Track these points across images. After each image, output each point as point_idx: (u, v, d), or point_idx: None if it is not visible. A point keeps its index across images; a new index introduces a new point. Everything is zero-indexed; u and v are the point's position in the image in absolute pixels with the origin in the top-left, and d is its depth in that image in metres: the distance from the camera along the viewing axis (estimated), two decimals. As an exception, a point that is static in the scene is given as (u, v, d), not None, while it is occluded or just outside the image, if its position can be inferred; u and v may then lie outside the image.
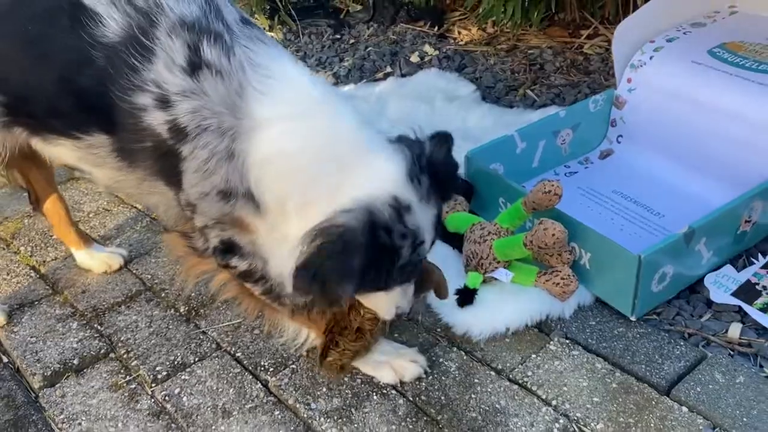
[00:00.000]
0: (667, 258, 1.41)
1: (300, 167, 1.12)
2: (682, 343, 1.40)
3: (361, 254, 1.05)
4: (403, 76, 2.71)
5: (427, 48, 2.97)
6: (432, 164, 1.18)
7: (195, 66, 1.11)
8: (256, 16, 3.46)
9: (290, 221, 1.13)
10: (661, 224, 1.69)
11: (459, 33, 3.12)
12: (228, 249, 1.23)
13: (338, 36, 3.27)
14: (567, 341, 1.44)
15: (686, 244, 1.44)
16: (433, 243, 1.22)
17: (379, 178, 1.12)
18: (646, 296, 1.43)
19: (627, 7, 2.66)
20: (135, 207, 2.05)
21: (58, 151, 1.30)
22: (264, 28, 3.45)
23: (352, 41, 3.19)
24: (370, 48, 3.07)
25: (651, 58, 1.88)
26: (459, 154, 1.98)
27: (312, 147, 1.12)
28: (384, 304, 1.25)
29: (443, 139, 1.25)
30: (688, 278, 1.52)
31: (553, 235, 1.42)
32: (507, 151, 1.81)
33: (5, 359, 1.54)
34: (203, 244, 1.25)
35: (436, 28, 3.15)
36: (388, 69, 2.86)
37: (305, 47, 3.23)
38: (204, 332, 1.55)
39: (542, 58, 2.74)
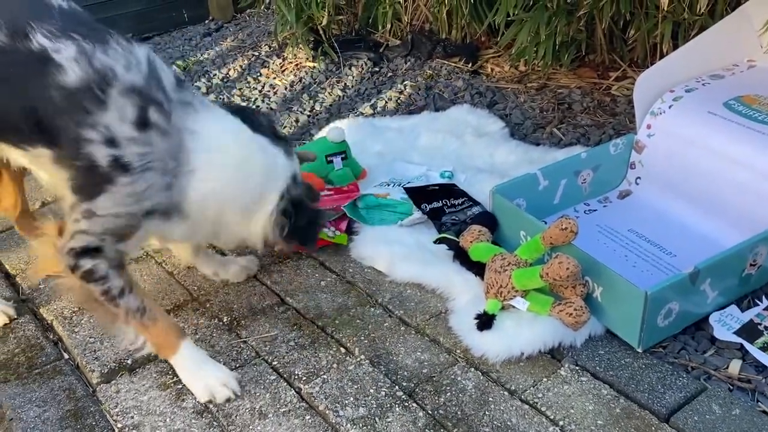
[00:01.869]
0: (673, 295, 1.53)
1: (229, 198, 1.57)
2: (684, 376, 1.51)
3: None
4: (436, 110, 2.86)
5: (461, 83, 3.13)
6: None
7: (144, 124, 1.44)
8: (300, 46, 3.66)
9: (233, 220, 1.60)
10: (672, 263, 1.80)
11: (492, 70, 3.26)
12: (85, 252, 1.50)
13: (377, 69, 3.44)
14: (577, 368, 1.56)
15: (692, 283, 1.55)
16: None
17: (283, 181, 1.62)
18: (652, 330, 1.54)
19: (655, 51, 2.79)
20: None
21: (14, 155, 1.63)
22: (307, 58, 3.66)
23: (390, 74, 3.36)
24: (406, 81, 3.23)
25: (670, 106, 2.00)
26: (484, 187, 2.14)
27: (234, 182, 1.56)
28: None
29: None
30: (694, 315, 1.63)
31: (568, 269, 1.55)
32: (530, 188, 1.95)
33: (66, 356, 1.72)
34: (64, 244, 1.52)
35: (471, 64, 3.30)
36: (423, 102, 3.02)
37: (345, 78, 3.41)
38: (244, 341, 1.70)
39: (570, 98, 2.86)
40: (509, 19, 2.96)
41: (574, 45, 2.91)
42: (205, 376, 1.55)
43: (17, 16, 1.47)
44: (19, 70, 1.46)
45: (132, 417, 1.50)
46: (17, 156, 1.61)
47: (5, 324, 1.82)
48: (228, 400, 1.52)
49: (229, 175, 1.55)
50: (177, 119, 1.48)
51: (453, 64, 3.33)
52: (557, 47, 2.87)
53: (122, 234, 1.51)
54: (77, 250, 1.50)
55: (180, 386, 1.57)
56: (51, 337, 1.78)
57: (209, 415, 1.49)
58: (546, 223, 1.90)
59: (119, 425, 1.48)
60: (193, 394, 1.55)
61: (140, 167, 1.45)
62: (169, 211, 1.52)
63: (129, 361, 1.65)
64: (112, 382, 1.60)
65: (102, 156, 1.44)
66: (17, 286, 2.01)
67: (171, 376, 1.60)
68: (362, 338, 1.68)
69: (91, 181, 1.47)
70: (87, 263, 1.50)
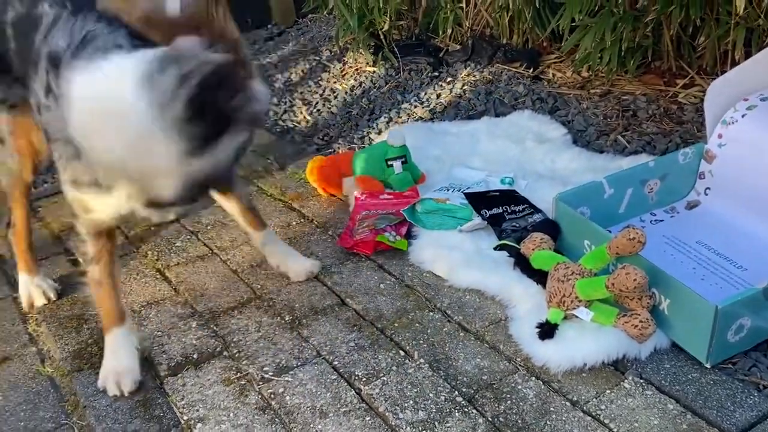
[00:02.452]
0: (744, 310, 1.48)
1: None
2: (755, 394, 1.46)
3: None
4: (497, 115, 2.85)
5: (521, 88, 3.10)
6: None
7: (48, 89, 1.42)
8: (361, 51, 3.70)
9: None
10: (743, 277, 1.74)
11: (553, 75, 3.23)
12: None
13: (437, 73, 3.44)
14: (641, 381, 1.52)
15: (765, 298, 1.50)
16: None
17: None
18: (721, 345, 1.49)
19: (725, 58, 2.71)
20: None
21: None
22: (368, 63, 3.69)
23: (449, 79, 3.36)
24: (466, 87, 3.23)
25: (743, 116, 1.94)
26: (546, 194, 2.12)
27: None
28: None
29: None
30: (766, 332, 1.57)
31: (635, 280, 1.52)
32: (595, 196, 1.92)
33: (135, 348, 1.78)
34: None
35: (532, 69, 3.27)
36: (483, 107, 3.01)
37: (405, 83, 3.43)
38: (306, 340, 1.73)
39: (635, 105, 2.81)
40: (573, 24, 2.93)
41: (640, 51, 2.85)
42: (107, 364, 1.64)
43: None
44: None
45: (197, 410, 1.54)
46: None
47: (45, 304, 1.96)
48: (114, 395, 1.58)
49: None
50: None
51: (513, 70, 3.31)
52: (623, 53, 2.82)
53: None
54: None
55: (243, 382, 1.61)
56: (121, 329, 1.85)
57: (271, 412, 1.53)
58: (610, 232, 1.87)
59: (185, 417, 1.53)
60: (256, 390, 1.58)
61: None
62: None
63: (195, 356, 1.70)
64: (179, 375, 1.65)
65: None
66: (90, 279, 2.09)
67: (234, 372, 1.65)
68: (421, 342, 1.69)
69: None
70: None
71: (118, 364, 1.63)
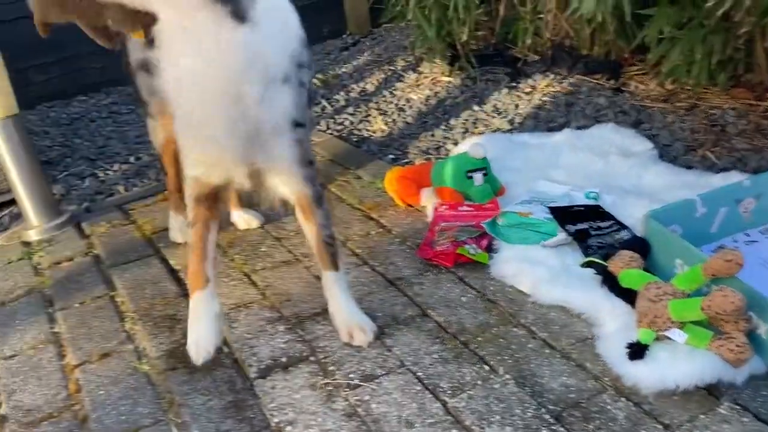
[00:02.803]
0: None
1: None
2: None
3: None
4: (578, 128, 2.81)
5: (603, 101, 3.05)
6: None
7: None
8: (437, 61, 3.72)
9: None
10: None
11: (636, 87, 3.16)
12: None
13: (514, 84, 3.43)
14: (737, 407, 1.48)
15: None
16: None
17: None
18: (827, 375, 1.43)
19: (823, 71, 2.59)
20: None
21: None
22: (443, 73, 3.71)
23: (528, 90, 3.34)
24: (545, 97, 3.20)
25: None
26: (632, 211, 2.08)
27: None
28: None
29: None
30: None
31: (733, 302, 1.48)
32: (687, 215, 1.87)
33: (226, 349, 1.85)
34: None
35: (613, 81, 3.22)
36: (563, 119, 2.97)
37: (481, 93, 3.42)
38: (389, 349, 1.76)
39: (724, 120, 2.72)
40: (659, 36, 2.86)
41: (731, 64, 2.76)
42: (190, 332, 1.77)
43: None
44: None
45: (286, 413, 1.59)
46: None
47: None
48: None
49: None
50: None
51: (594, 81, 3.26)
52: (712, 66, 2.74)
53: None
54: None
55: (330, 388, 1.65)
56: (212, 330, 1.93)
57: (358, 419, 1.56)
58: (702, 251, 1.82)
59: (275, 420, 1.57)
60: (342, 397, 1.62)
61: None
62: None
63: (283, 359, 1.75)
64: (268, 377, 1.70)
65: None
66: (181, 281, 2.18)
67: (321, 377, 1.69)
68: (506, 357, 1.68)
69: None
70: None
71: (197, 334, 1.74)
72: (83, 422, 1.65)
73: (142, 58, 1.98)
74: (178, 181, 2.29)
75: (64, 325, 2.03)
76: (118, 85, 4.68)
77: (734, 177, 2.18)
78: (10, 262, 2.48)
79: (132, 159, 3.47)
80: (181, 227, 2.34)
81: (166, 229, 2.54)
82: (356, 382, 1.66)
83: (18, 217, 2.89)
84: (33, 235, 2.62)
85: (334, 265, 1.83)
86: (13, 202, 2.93)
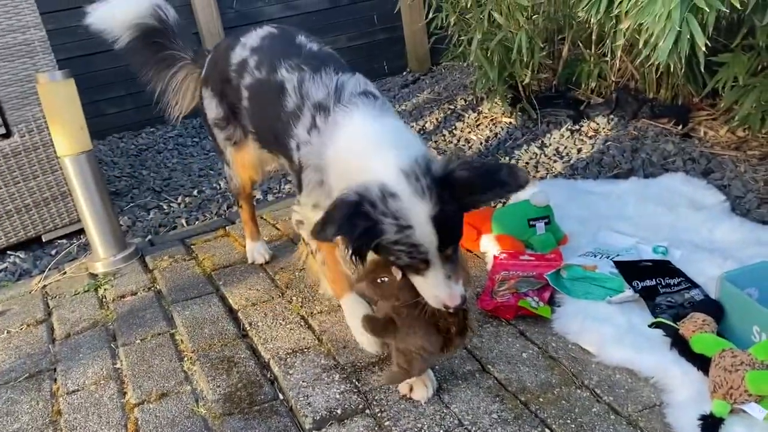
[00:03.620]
0: None
1: (346, 176, 1.58)
2: None
3: (343, 210, 1.46)
4: (645, 176, 2.73)
5: (670, 147, 2.96)
6: (451, 175, 1.48)
7: (311, 127, 1.73)
8: (498, 101, 3.70)
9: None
10: None
11: (705, 134, 3.06)
12: (300, 222, 1.97)
13: (577, 127, 3.37)
14: (823, 494, 1.37)
15: None
16: (439, 236, 1.48)
17: (376, 172, 1.50)
18: None
19: None
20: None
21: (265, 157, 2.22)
22: (503, 113, 3.68)
23: (590, 134, 3.28)
24: (609, 142, 3.13)
25: None
26: (704, 267, 2.00)
27: (351, 161, 1.59)
28: (424, 290, 1.56)
29: (483, 165, 1.58)
30: None
31: (818, 379, 1.38)
32: (764, 277, 1.77)
33: (281, 396, 1.84)
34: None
35: (681, 126, 3.13)
36: (629, 165, 2.90)
37: (542, 136, 3.38)
38: (447, 406, 1.71)
39: (801, 171, 2.60)
40: (732, 83, 2.77)
41: (808, 113, 2.65)
42: (356, 329, 1.94)
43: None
44: (269, 98, 1.90)
45: (341, 468, 1.56)
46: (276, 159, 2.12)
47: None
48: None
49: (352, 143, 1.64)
50: (333, 117, 1.69)
51: (661, 126, 3.18)
52: (788, 116, 2.63)
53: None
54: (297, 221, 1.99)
55: (385, 444, 1.62)
56: (268, 375, 1.93)
57: (413, 480, 1.52)
58: (781, 317, 1.72)
59: (329, 475, 1.55)
60: (397, 455, 1.58)
61: (305, 165, 1.77)
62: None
63: (338, 411, 1.73)
64: (323, 429, 1.68)
65: (296, 160, 1.81)
66: (239, 321, 2.20)
67: (378, 431, 1.66)
68: (568, 421, 1.62)
69: (298, 181, 1.85)
70: (301, 232, 2.00)
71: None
72: (140, 464, 1.66)
73: (214, 117, 2.29)
74: (252, 212, 2.59)
75: (126, 361, 2.07)
76: (185, 118, 4.84)
77: (814, 235, 2.07)
78: (76, 294, 2.55)
79: (195, 192, 3.56)
80: (259, 250, 2.56)
81: (226, 266, 2.58)
82: (412, 439, 1.62)
83: (86, 246, 2.99)
84: (99, 267, 2.70)
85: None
86: (81, 231, 3.04)
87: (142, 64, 2.52)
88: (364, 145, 1.59)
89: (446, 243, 1.50)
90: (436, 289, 1.54)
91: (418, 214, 1.46)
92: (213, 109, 2.28)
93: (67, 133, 2.61)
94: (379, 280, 1.61)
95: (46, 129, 2.93)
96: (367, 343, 1.90)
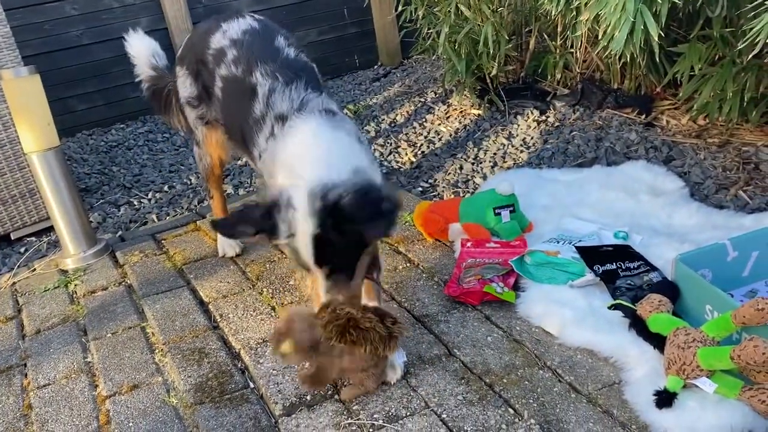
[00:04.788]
0: None
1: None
2: None
3: (261, 211, 1.60)
4: (608, 164, 2.80)
5: (633, 136, 3.03)
6: (336, 206, 1.56)
7: (270, 135, 1.80)
8: (466, 93, 3.75)
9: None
10: None
11: (667, 122, 3.14)
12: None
13: (544, 118, 3.43)
14: (769, 461, 1.44)
15: None
16: (318, 255, 1.60)
17: (296, 185, 1.60)
18: None
19: None
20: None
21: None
22: (472, 106, 3.73)
23: (557, 124, 3.34)
24: (574, 132, 3.20)
25: None
26: (662, 251, 2.06)
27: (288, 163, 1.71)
28: (317, 285, 1.66)
29: (367, 202, 1.59)
30: None
31: (764, 353, 1.45)
32: (717, 258, 1.84)
33: (252, 385, 1.87)
34: None
35: (644, 116, 3.20)
36: (593, 154, 2.96)
37: (510, 127, 3.43)
38: (414, 390, 1.76)
39: (758, 157, 2.68)
40: (691, 72, 2.85)
41: (764, 102, 2.73)
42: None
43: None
44: (239, 97, 1.94)
45: (310, 452, 1.60)
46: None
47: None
48: None
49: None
50: (289, 126, 1.77)
51: (625, 116, 3.25)
52: (744, 103, 2.71)
53: None
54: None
55: (354, 428, 1.66)
56: (239, 365, 1.95)
57: (381, 461, 1.56)
58: (732, 296, 1.79)
59: (299, 459, 1.58)
60: (366, 438, 1.62)
61: (264, 172, 1.84)
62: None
63: (308, 397, 1.76)
64: (293, 415, 1.71)
65: (259, 167, 1.88)
66: (210, 313, 2.22)
67: (345, 417, 1.69)
68: (531, 401, 1.67)
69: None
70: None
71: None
72: (112, 455, 1.68)
73: (187, 95, 2.31)
74: (224, 202, 2.61)
75: (97, 354, 2.08)
76: (154, 114, 4.81)
77: (767, 219, 2.14)
78: (46, 290, 2.55)
79: (166, 187, 3.56)
80: (230, 242, 2.58)
81: (197, 260, 2.59)
82: (380, 422, 1.66)
83: (55, 244, 2.98)
84: (70, 264, 2.70)
85: (379, 299, 1.91)
86: (50, 229, 3.03)
87: (157, 111, 2.69)
88: (300, 155, 1.69)
89: (323, 261, 1.61)
90: (318, 287, 1.68)
91: (302, 228, 1.58)
92: (187, 88, 2.30)
93: (33, 129, 2.59)
94: (288, 344, 1.67)
95: (13, 126, 2.91)
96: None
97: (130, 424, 1.77)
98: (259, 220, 1.60)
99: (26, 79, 2.55)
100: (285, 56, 2.00)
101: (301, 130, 1.75)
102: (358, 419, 1.68)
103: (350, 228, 1.57)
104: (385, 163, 3.37)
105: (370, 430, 1.64)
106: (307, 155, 1.68)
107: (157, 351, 2.08)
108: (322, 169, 1.62)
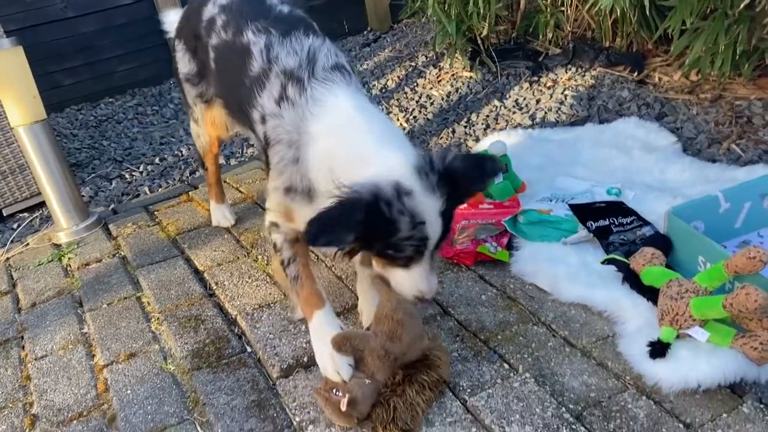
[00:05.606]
0: None
1: (336, 164, 1.50)
2: None
3: (362, 212, 1.36)
4: (601, 122, 2.78)
5: (626, 93, 3.01)
6: (450, 169, 1.45)
7: (281, 98, 1.63)
8: (458, 56, 3.71)
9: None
10: None
11: (659, 79, 3.11)
12: (274, 225, 1.76)
13: (536, 78, 3.40)
14: (761, 406, 1.46)
15: None
16: (441, 231, 1.47)
17: (387, 169, 1.43)
18: None
19: None
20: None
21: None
22: (464, 68, 3.69)
23: (549, 84, 3.31)
24: (567, 91, 3.17)
25: None
26: (655, 206, 2.06)
27: (343, 150, 1.52)
28: (406, 281, 1.51)
29: (472, 157, 1.55)
30: None
31: (756, 301, 1.45)
32: (709, 210, 1.84)
33: (249, 349, 1.88)
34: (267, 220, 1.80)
35: (636, 73, 3.17)
36: (585, 113, 2.94)
37: (503, 88, 3.41)
38: (410, 349, 1.76)
39: (750, 111, 2.67)
40: (682, 27, 2.81)
41: (756, 54, 2.70)
42: (318, 349, 1.67)
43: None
44: (234, 62, 1.81)
45: (308, 412, 1.61)
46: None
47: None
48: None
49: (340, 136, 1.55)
50: (309, 92, 1.60)
51: (617, 73, 3.22)
52: (737, 57, 2.68)
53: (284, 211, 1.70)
54: (270, 223, 1.78)
55: (351, 387, 1.67)
56: (235, 330, 1.96)
57: (378, 418, 1.57)
58: (725, 247, 1.80)
59: (297, 419, 1.60)
60: (363, 397, 1.63)
61: (274, 139, 1.65)
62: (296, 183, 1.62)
63: (305, 359, 1.77)
64: (290, 377, 1.73)
65: (261, 133, 1.70)
66: (205, 281, 2.22)
67: (342, 377, 1.70)
68: (525, 356, 1.68)
69: (266, 160, 1.72)
70: (274, 237, 1.77)
71: (328, 354, 1.63)
72: (111, 421, 1.69)
73: (186, 72, 2.23)
74: (218, 174, 2.56)
75: (93, 325, 2.08)
76: (143, 87, 4.76)
77: (759, 170, 2.14)
78: (40, 264, 2.54)
79: (157, 160, 3.53)
80: (224, 213, 2.57)
81: (190, 230, 2.58)
82: (377, 381, 1.67)
83: (48, 219, 2.97)
84: (63, 237, 2.69)
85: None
86: (42, 204, 3.01)
87: None
88: (362, 139, 1.51)
89: (444, 235, 1.50)
90: (419, 280, 1.51)
91: (430, 210, 1.42)
92: (186, 64, 2.22)
93: (19, 102, 2.56)
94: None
95: (-1, 100, 2.87)
96: (332, 369, 1.59)
97: (128, 391, 1.78)
98: (362, 222, 1.35)
99: (9, 51, 2.51)
100: (278, 12, 1.89)
101: (334, 104, 1.57)
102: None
103: (465, 191, 1.49)
104: (377, 129, 3.34)
105: (367, 389, 1.65)
106: (368, 140, 1.50)
107: (153, 320, 2.08)
108: (392, 148, 1.46)
